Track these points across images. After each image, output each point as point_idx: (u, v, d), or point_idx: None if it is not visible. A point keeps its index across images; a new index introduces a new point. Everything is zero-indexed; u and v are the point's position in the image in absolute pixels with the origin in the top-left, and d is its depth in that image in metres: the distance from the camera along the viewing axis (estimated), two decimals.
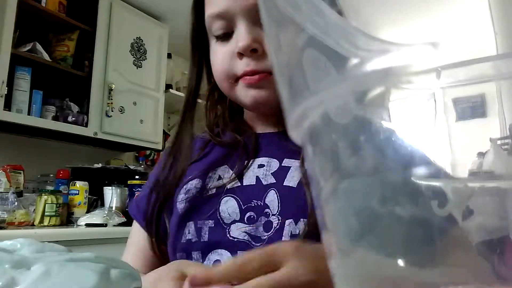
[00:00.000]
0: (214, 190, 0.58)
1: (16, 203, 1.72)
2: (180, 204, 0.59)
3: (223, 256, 0.53)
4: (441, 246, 0.16)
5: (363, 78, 0.15)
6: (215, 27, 0.56)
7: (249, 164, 0.59)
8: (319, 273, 0.33)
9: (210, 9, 0.57)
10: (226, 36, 0.56)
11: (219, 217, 0.55)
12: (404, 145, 0.17)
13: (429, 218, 0.16)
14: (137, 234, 0.65)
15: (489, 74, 0.14)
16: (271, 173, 0.57)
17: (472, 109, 0.16)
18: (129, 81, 2.52)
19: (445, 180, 0.16)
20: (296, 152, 0.55)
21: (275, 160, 0.58)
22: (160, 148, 2.82)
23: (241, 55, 0.54)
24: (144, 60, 2.63)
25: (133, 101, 2.54)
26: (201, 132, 0.67)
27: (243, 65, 0.54)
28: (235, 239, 0.54)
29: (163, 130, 2.88)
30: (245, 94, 0.56)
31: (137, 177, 2.11)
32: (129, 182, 2.11)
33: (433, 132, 0.17)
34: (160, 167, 0.63)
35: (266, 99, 0.55)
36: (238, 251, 0.52)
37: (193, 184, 0.59)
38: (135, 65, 2.57)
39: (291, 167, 0.56)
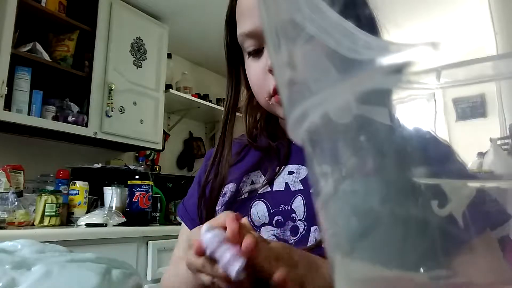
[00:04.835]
0: (246, 194, 0.62)
1: (16, 203, 1.72)
2: (217, 206, 0.63)
3: None
4: (464, 249, 0.16)
5: (363, 78, 0.15)
6: (247, 44, 0.60)
7: (280, 171, 0.62)
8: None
9: (241, 28, 0.61)
10: (257, 52, 0.60)
11: (250, 220, 0.59)
12: (404, 145, 0.17)
13: (429, 218, 0.16)
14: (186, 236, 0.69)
15: (489, 74, 0.14)
16: (300, 180, 0.60)
17: (472, 109, 0.16)
18: (129, 81, 2.51)
19: (445, 180, 0.16)
20: None
21: (305, 167, 0.61)
22: (160, 148, 2.82)
23: (271, 71, 0.57)
24: (144, 60, 2.63)
25: (133, 101, 2.53)
26: (238, 135, 0.71)
27: (273, 81, 0.58)
28: None
29: (163, 130, 2.88)
30: (279, 110, 0.60)
31: (137, 177, 2.11)
32: (129, 182, 2.10)
33: (433, 132, 0.17)
34: (203, 178, 0.67)
35: None
36: None
37: (228, 188, 0.64)
38: (135, 65, 2.57)
39: None
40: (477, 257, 0.17)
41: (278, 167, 0.63)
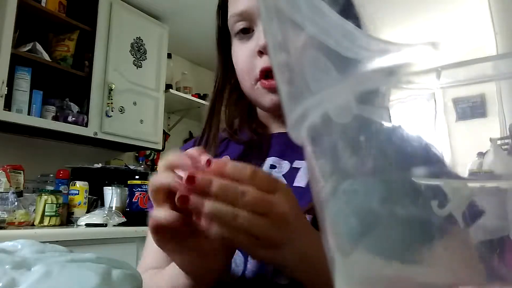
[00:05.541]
0: None
1: (16, 203, 1.72)
2: None
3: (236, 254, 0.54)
4: (438, 246, 0.16)
5: (363, 78, 0.15)
6: (237, 25, 0.59)
7: (262, 165, 0.60)
8: (296, 214, 0.38)
9: (233, 9, 0.59)
10: (246, 33, 0.59)
11: None
12: (404, 145, 0.17)
13: (429, 218, 0.16)
14: None
15: (489, 74, 0.14)
16: (282, 175, 0.58)
17: (472, 109, 0.16)
18: (129, 81, 2.52)
19: (445, 180, 0.16)
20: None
21: (286, 161, 0.60)
22: (160, 148, 2.82)
23: (261, 53, 0.56)
24: (144, 60, 2.63)
25: (133, 101, 2.54)
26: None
27: (262, 63, 0.56)
28: None
29: (163, 130, 2.88)
30: (263, 97, 0.58)
31: (137, 177, 2.11)
32: (129, 182, 2.10)
33: (433, 132, 0.17)
34: None
35: None
36: None
37: None
38: (135, 65, 2.57)
39: (301, 168, 0.58)
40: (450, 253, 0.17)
41: (260, 162, 0.60)
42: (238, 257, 0.54)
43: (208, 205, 0.34)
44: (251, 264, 0.53)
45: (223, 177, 0.35)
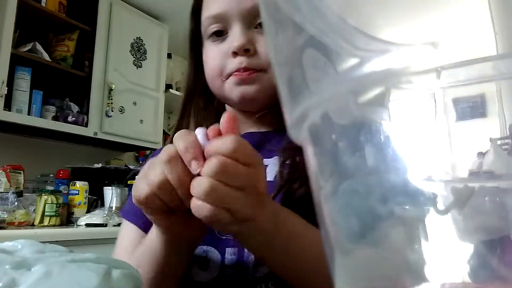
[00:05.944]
0: None
1: (16, 203, 1.72)
2: None
3: (209, 253, 0.54)
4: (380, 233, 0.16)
5: (363, 78, 0.15)
6: (211, 27, 0.59)
7: None
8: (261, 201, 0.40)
9: (207, 12, 0.60)
10: (220, 35, 0.59)
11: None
12: (403, 145, 0.17)
13: (429, 218, 0.16)
14: (133, 234, 0.63)
15: (489, 74, 0.14)
16: None
17: (472, 109, 0.16)
18: (129, 81, 2.52)
19: (445, 180, 0.16)
20: (273, 151, 0.59)
21: None
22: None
23: (235, 54, 0.57)
24: (144, 60, 2.63)
25: (133, 101, 2.54)
26: None
27: (235, 64, 0.57)
28: (223, 237, 0.55)
29: (163, 130, 2.88)
30: (233, 90, 0.58)
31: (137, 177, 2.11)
32: (129, 182, 2.10)
33: (433, 132, 0.17)
34: None
35: (253, 95, 0.57)
36: (226, 248, 0.54)
37: None
38: (135, 65, 2.57)
39: (268, 164, 0.59)
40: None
41: None
42: (215, 257, 0.54)
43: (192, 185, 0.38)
44: (228, 260, 0.54)
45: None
